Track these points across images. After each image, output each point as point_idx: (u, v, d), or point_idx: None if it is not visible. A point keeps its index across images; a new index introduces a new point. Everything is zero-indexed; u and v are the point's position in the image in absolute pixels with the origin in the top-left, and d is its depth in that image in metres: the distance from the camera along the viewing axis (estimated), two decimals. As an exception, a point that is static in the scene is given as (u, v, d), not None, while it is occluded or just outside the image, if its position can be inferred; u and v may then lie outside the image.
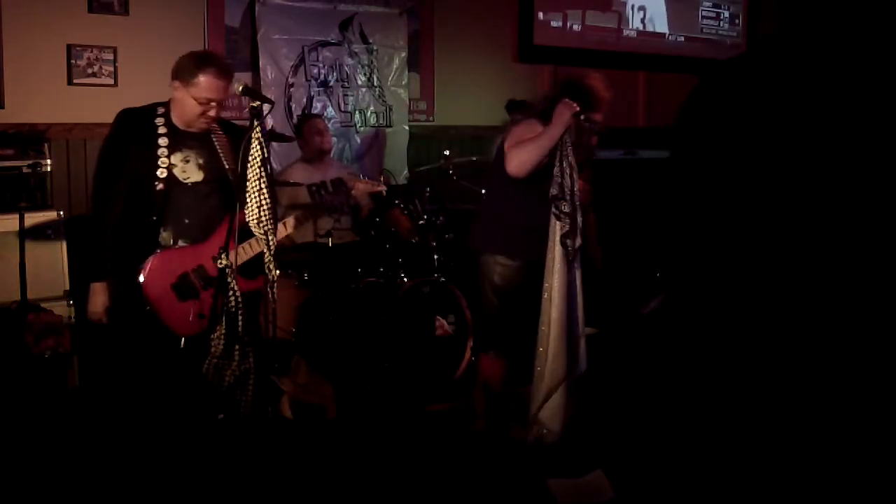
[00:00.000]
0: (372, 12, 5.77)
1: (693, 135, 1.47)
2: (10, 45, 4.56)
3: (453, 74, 6.25)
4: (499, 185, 3.61)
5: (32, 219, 3.97)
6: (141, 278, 3.18)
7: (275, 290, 3.18)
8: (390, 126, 5.92)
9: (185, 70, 3.15)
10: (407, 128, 5.99)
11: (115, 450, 3.44)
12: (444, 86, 6.23)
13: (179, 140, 3.21)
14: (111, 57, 4.85)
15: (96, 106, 4.82)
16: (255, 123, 3.06)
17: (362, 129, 5.81)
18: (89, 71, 4.81)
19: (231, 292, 3.17)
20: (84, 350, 3.93)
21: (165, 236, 3.21)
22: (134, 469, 3.30)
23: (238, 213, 3.19)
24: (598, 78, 3.55)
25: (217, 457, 3.31)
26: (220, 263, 3.18)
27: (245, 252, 3.25)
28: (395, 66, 5.90)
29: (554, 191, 3.33)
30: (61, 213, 4.14)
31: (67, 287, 4.07)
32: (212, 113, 3.19)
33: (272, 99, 3.28)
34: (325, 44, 5.59)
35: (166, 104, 3.24)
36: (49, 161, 4.35)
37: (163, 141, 3.17)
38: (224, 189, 3.25)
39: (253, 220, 3.09)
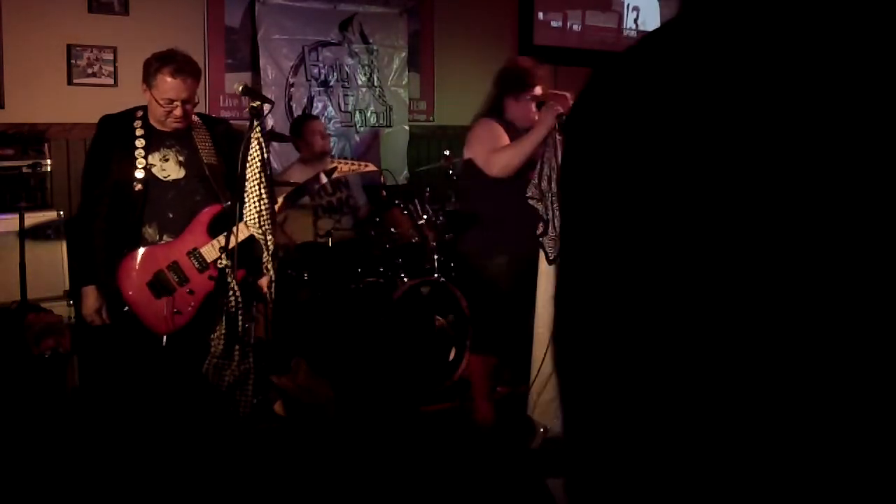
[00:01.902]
0: (372, 12, 5.77)
1: (579, 131, 1.16)
2: (10, 45, 4.56)
3: (453, 74, 6.25)
4: (472, 187, 3.70)
5: (32, 219, 3.97)
6: (118, 277, 3.17)
7: (273, 290, 3.18)
8: (390, 126, 5.92)
9: (147, 72, 3.16)
10: (407, 128, 5.99)
11: (115, 450, 3.44)
12: (444, 86, 6.23)
13: (157, 140, 3.21)
14: (111, 57, 4.85)
15: (96, 106, 4.79)
16: (255, 123, 3.07)
17: (362, 129, 5.82)
18: (89, 71, 4.81)
19: (231, 292, 3.18)
20: (84, 350, 3.93)
21: (151, 232, 3.19)
22: (134, 469, 3.30)
23: (213, 206, 3.21)
24: (525, 58, 3.89)
25: (217, 457, 3.31)
26: (220, 263, 3.20)
27: (224, 243, 3.19)
28: (395, 66, 5.90)
29: (529, 192, 3.38)
30: (61, 213, 4.14)
31: (67, 287, 4.07)
32: (177, 113, 3.15)
33: (272, 99, 3.30)
34: (325, 44, 5.59)
35: (145, 106, 3.24)
36: (49, 161, 4.36)
37: (140, 143, 3.17)
38: (206, 185, 3.24)
39: (252, 220, 3.09)
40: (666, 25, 1.10)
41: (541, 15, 6.58)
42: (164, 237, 3.21)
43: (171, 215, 3.21)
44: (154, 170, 3.18)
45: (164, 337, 3.16)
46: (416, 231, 4.62)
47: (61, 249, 4.10)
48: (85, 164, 3.34)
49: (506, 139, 3.56)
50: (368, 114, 5.83)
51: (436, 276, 4.49)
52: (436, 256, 4.58)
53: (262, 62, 5.30)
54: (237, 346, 3.21)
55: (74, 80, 4.77)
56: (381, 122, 5.89)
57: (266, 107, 3.14)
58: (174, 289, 3.16)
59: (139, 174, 3.15)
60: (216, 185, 3.24)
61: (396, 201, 4.71)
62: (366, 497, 3.30)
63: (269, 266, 3.14)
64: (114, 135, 3.20)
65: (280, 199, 3.34)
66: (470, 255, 3.76)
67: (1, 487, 3.14)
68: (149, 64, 3.16)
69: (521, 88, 3.64)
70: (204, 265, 3.17)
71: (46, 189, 4.33)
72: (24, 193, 4.20)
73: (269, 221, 3.11)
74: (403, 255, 4.57)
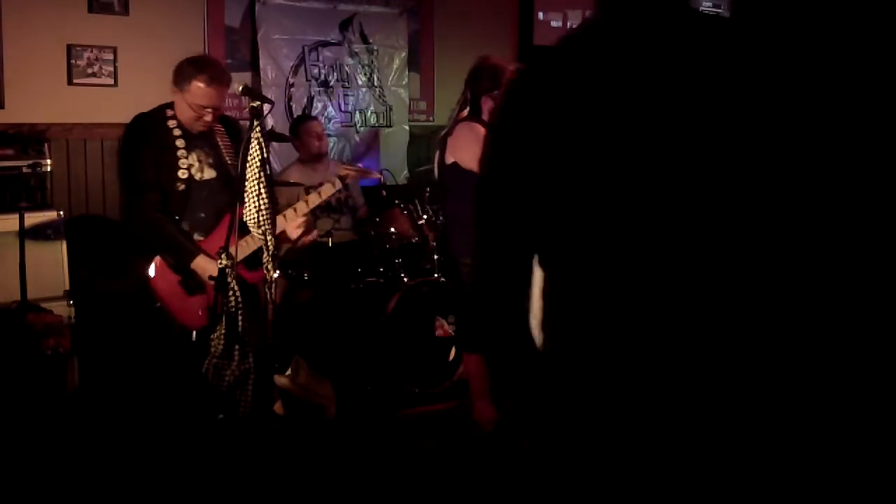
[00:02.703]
0: (372, 12, 5.77)
1: (500, 126, 1.28)
2: (10, 45, 4.56)
3: (453, 74, 6.24)
4: (461, 190, 3.69)
5: (32, 219, 3.97)
6: (151, 274, 3.25)
7: (273, 290, 3.19)
8: (390, 126, 5.92)
9: (180, 76, 3.22)
10: (407, 128, 6.00)
11: (115, 450, 3.45)
12: (444, 86, 6.22)
13: (191, 141, 3.30)
14: (111, 57, 4.85)
15: (96, 106, 4.83)
16: (255, 123, 3.07)
17: (362, 128, 5.82)
18: (89, 71, 4.81)
19: (231, 292, 3.18)
20: (84, 350, 3.93)
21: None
22: (134, 469, 3.30)
23: (238, 209, 3.22)
24: (495, 56, 3.96)
25: (217, 457, 3.31)
26: (220, 263, 3.20)
27: (249, 244, 3.29)
28: (395, 66, 5.90)
29: None
30: (61, 213, 4.14)
31: (67, 287, 4.07)
32: (207, 118, 3.27)
33: (272, 99, 3.31)
34: (325, 44, 5.59)
35: (172, 106, 3.30)
36: (49, 161, 4.35)
37: (179, 143, 3.27)
38: (231, 185, 3.32)
39: (251, 220, 3.10)
40: (582, 27, 1.29)
41: (541, 15, 6.57)
42: (196, 236, 3.31)
43: (202, 215, 3.31)
44: (193, 170, 3.28)
45: (195, 332, 3.24)
46: (416, 231, 4.62)
47: (61, 249, 4.10)
48: (125, 162, 3.39)
49: None
50: (368, 114, 5.83)
51: (436, 276, 4.49)
52: (436, 256, 4.58)
53: (262, 62, 5.30)
54: (237, 346, 3.21)
55: (74, 80, 4.77)
56: (381, 122, 5.89)
57: (266, 107, 3.15)
58: (205, 286, 3.24)
59: (182, 174, 3.24)
60: (240, 185, 3.29)
61: (396, 201, 4.71)
62: (365, 497, 3.30)
63: (269, 266, 3.15)
64: (151, 133, 3.26)
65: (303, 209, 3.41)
66: (461, 255, 3.76)
67: (1, 487, 3.14)
68: (182, 69, 3.24)
69: (497, 87, 3.68)
70: (233, 262, 3.24)
71: (46, 189, 4.33)
72: (24, 193, 4.20)
73: (268, 221, 3.12)
74: (403, 255, 4.57)
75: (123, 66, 4.88)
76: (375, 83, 5.84)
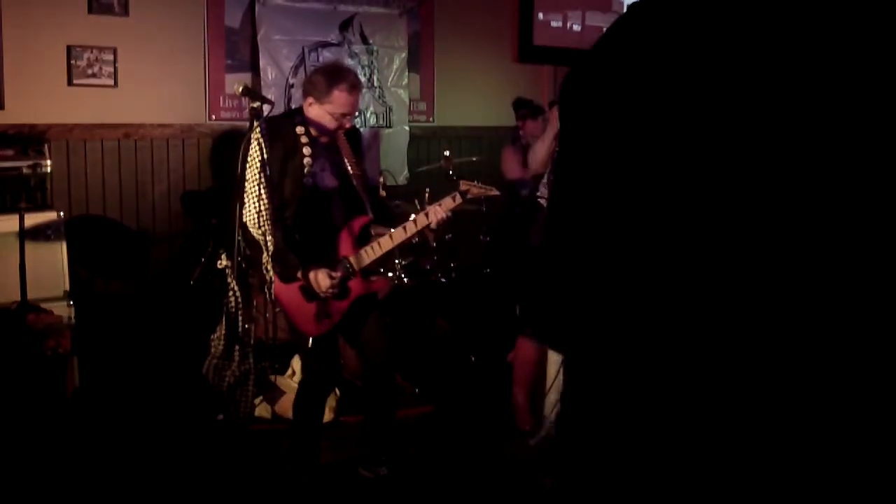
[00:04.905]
0: (372, 13, 5.77)
1: (568, 117, 1.07)
2: (10, 45, 4.56)
3: (453, 74, 6.25)
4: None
5: (32, 219, 3.97)
6: (272, 281, 3.21)
7: (272, 290, 3.19)
8: (390, 126, 5.93)
9: (318, 87, 3.19)
10: (407, 128, 6.00)
11: (115, 450, 3.45)
12: (444, 86, 6.23)
13: (317, 149, 3.26)
14: (111, 57, 4.86)
15: (96, 106, 4.83)
16: (255, 124, 3.08)
17: (362, 129, 5.81)
18: (89, 71, 4.81)
19: (231, 292, 3.19)
20: (84, 350, 3.93)
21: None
22: (134, 469, 3.30)
23: (362, 218, 3.31)
24: None
25: (216, 457, 3.32)
26: (220, 265, 3.21)
27: (369, 254, 3.27)
28: (395, 67, 5.91)
29: (539, 192, 3.48)
30: (61, 213, 4.14)
31: (67, 287, 4.07)
32: (347, 124, 3.27)
33: (272, 99, 3.31)
34: (325, 44, 5.60)
35: (301, 113, 3.27)
36: (49, 161, 4.35)
37: (306, 150, 3.23)
38: (350, 193, 3.32)
39: (252, 220, 3.11)
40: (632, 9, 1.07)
41: (541, 15, 6.57)
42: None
43: (324, 223, 3.26)
44: (316, 178, 3.24)
45: (311, 339, 3.20)
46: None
47: (61, 250, 4.10)
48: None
49: None
50: (368, 114, 5.83)
51: (438, 275, 4.50)
52: (436, 257, 4.59)
53: (262, 63, 5.30)
54: (237, 347, 3.22)
55: (74, 81, 4.78)
56: (381, 122, 5.89)
57: (266, 107, 3.15)
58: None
59: (307, 181, 3.21)
60: (361, 194, 3.32)
61: (396, 202, 4.72)
62: (366, 497, 3.30)
63: (268, 266, 3.15)
64: (279, 138, 3.22)
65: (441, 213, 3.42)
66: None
67: (1, 487, 3.14)
68: (319, 79, 3.21)
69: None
70: (352, 272, 3.23)
71: (46, 189, 4.33)
72: (24, 194, 4.20)
73: (268, 222, 3.12)
74: (403, 255, 4.58)
75: (123, 67, 4.88)
76: (375, 84, 5.84)
